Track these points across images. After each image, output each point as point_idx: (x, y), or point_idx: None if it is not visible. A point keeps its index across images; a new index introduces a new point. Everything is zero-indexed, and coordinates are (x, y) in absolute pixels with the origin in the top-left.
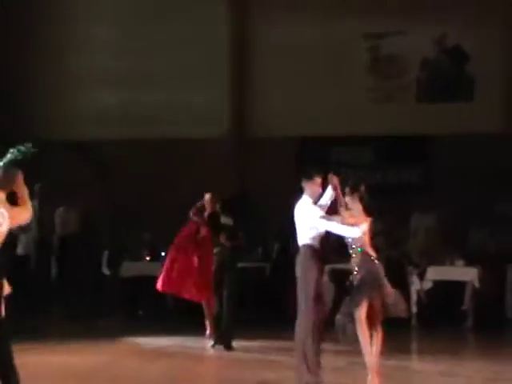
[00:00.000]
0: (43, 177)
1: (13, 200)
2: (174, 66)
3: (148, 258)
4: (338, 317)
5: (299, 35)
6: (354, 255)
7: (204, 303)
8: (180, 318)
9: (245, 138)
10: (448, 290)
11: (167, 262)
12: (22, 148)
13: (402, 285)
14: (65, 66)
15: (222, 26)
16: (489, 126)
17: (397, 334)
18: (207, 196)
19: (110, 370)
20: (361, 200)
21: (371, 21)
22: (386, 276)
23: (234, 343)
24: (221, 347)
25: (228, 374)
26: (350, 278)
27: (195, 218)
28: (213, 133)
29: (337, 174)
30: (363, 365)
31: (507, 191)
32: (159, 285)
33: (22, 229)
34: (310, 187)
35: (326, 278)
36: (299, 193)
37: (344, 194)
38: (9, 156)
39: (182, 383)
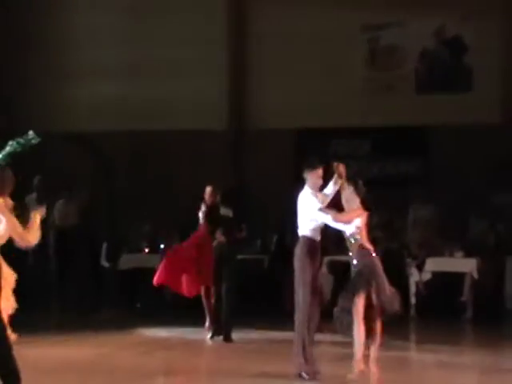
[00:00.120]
0: (42, 169)
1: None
2: (172, 58)
3: (147, 251)
4: (337, 309)
5: (298, 27)
6: (350, 248)
7: (203, 295)
8: (179, 310)
9: (243, 130)
10: (447, 282)
11: (166, 256)
12: (21, 140)
13: (400, 276)
14: (64, 58)
15: (220, 18)
16: (487, 117)
17: (395, 325)
18: (208, 189)
19: (109, 362)
20: (359, 194)
21: (370, 12)
22: (383, 269)
23: (233, 335)
24: (219, 339)
25: (227, 365)
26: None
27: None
28: (211, 125)
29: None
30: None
31: (506, 182)
32: (155, 279)
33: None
34: (312, 177)
35: (324, 269)
36: (298, 184)
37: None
38: (8, 149)
39: (180, 375)
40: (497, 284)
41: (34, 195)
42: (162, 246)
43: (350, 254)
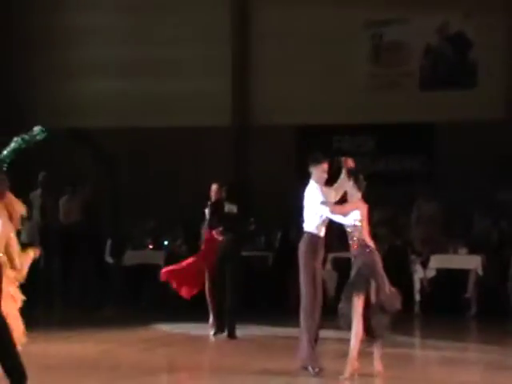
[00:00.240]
0: (47, 165)
1: None
2: (176, 56)
3: (151, 247)
4: (341, 305)
5: (301, 23)
6: (351, 244)
7: (207, 292)
8: (182, 306)
9: (247, 127)
10: (451, 279)
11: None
12: (25, 137)
13: (405, 273)
14: (68, 54)
15: (224, 14)
16: (491, 113)
17: (400, 322)
18: (214, 186)
19: (112, 359)
20: (359, 188)
21: (373, 8)
22: (387, 266)
23: (237, 332)
24: (223, 336)
25: (230, 362)
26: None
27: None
28: (215, 122)
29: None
30: (365, 353)
31: (510, 179)
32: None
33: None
34: (317, 172)
35: (328, 266)
36: (301, 181)
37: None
38: (12, 145)
39: (184, 371)
40: (501, 281)
41: (38, 191)
42: (165, 243)
43: (351, 250)
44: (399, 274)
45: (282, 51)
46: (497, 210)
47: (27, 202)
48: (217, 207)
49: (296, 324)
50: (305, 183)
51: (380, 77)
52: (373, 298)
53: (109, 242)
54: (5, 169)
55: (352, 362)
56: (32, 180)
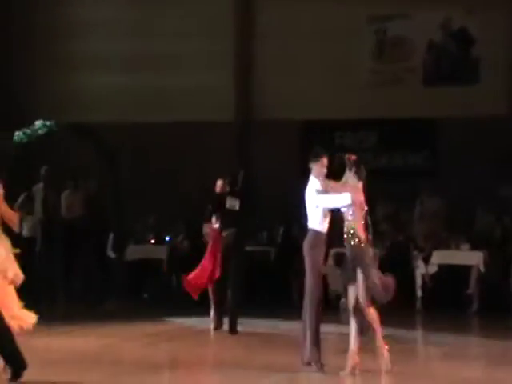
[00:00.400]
0: (49, 160)
1: None
2: (179, 50)
3: (153, 241)
4: (343, 300)
5: (304, 18)
6: (346, 237)
7: (209, 286)
8: (184, 301)
9: (250, 122)
10: (453, 274)
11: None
12: (27, 131)
13: (406, 269)
14: (71, 49)
15: (227, 9)
16: (494, 109)
17: (401, 317)
18: (219, 182)
19: (115, 354)
20: (360, 178)
21: (376, 4)
22: (386, 262)
23: (239, 326)
24: (225, 330)
25: (232, 356)
26: None
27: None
28: (218, 116)
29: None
30: (367, 349)
31: None
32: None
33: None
34: (317, 167)
35: (330, 261)
36: (304, 176)
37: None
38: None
39: (186, 366)
40: (503, 277)
41: (40, 186)
42: (167, 239)
43: (345, 243)
44: (401, 270)
45: (285, 47)
46: (499, 205)
47: (30, 196)
48: (218, 201)
49: (298, 318)
50: (307, 178)
51: (383, 73)
52: (359, 290)
53: (111, 237)
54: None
55: (352, 357)
56: (34, 174)
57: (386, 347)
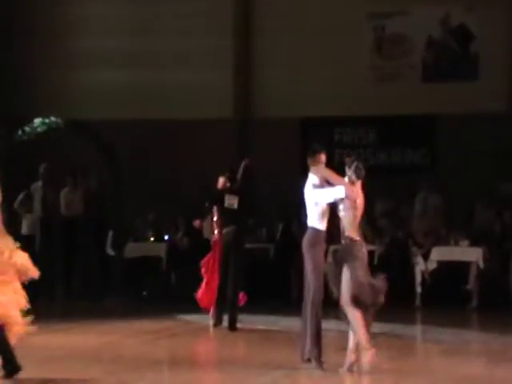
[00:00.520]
0: (48, 157)
1: None
2: (178, 48)
3: (152, 239)
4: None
5: (303, 16)
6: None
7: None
8: (184, 298)
9: (249, 119)
10: (452, 271)
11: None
12: (26, 129)
13: (406, 265)
14: (70, 45)
15: (226, 6)
16: (494, 106)
17: (401, 314)
18: (221, 179)
19: (114, 351)
20: (358, 177)
21: (375, 0)
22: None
23: (238, 324)
24: (224, 327)
25: (231, 353)
26: None
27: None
28: (217, 113)
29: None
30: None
31: None
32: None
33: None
34: (314, 164)
35: (330, 258)
36: (303, 173)
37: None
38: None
39: (185, 363)
40: (502, 273)
41: (39, 183)
42: (166, 238)
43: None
44: (401, 266)
45: (283, 44)
46: (499, 202)
47: (29, 194)
48: (218, 198)
49: (297, 315)
50: (306, 175)
51: (382, 69)
52: (343, 287)
53: (110, 234)
54: None
55: (350, 354)
56: (33, 172)
57: (369, 349)
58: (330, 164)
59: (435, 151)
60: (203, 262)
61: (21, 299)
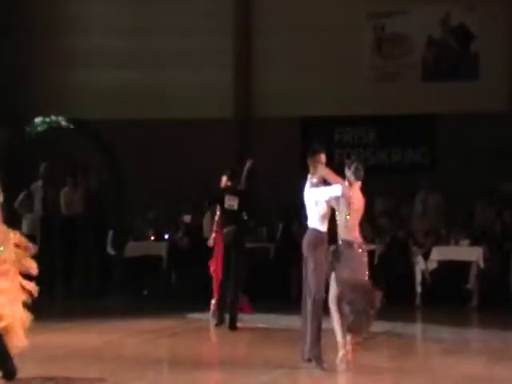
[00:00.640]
0: (48, 157)
1: None
2: (179, 47)
3: (152, 238)
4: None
5: (303, 15)
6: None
7: (214, 282)
8: (184, 297)
9: (249, 119)
10: (453, 270)
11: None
12: (27, 128)
13: (406, 265)
14: (70, 45)
15: (226, 5)
16: (494, 105)
17: (401, 313)
18: (224, 178)
19: (115, 350)
20: (357, 178)
21: (375, 0)
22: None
23: (239, 323)
24: (225, 326)
25: (232, 353)
26: None
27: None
28: (218, 113)
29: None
30: (365, 344)
31: None
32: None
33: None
34: (314, 164)
35: (330, 258)
36: (304, 172)
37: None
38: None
39: (186, 363)
40: (503, 272)
41: (39, 183)
42: (166, 237)
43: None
44: (401, 266)
45: (284, 43)
46: (499, 201)
47: (29, 193)
48: (220, 197)
49: (297, 314)
50: (306, 175)
51: (382, 68)
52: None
53: (110, 234)
54: None
55: (340, 349)
56: (33, 171)
57: (347, 350)
58: (329, 164)
59: (435, 151)
60: (210, 261)
61: (22, 296)
